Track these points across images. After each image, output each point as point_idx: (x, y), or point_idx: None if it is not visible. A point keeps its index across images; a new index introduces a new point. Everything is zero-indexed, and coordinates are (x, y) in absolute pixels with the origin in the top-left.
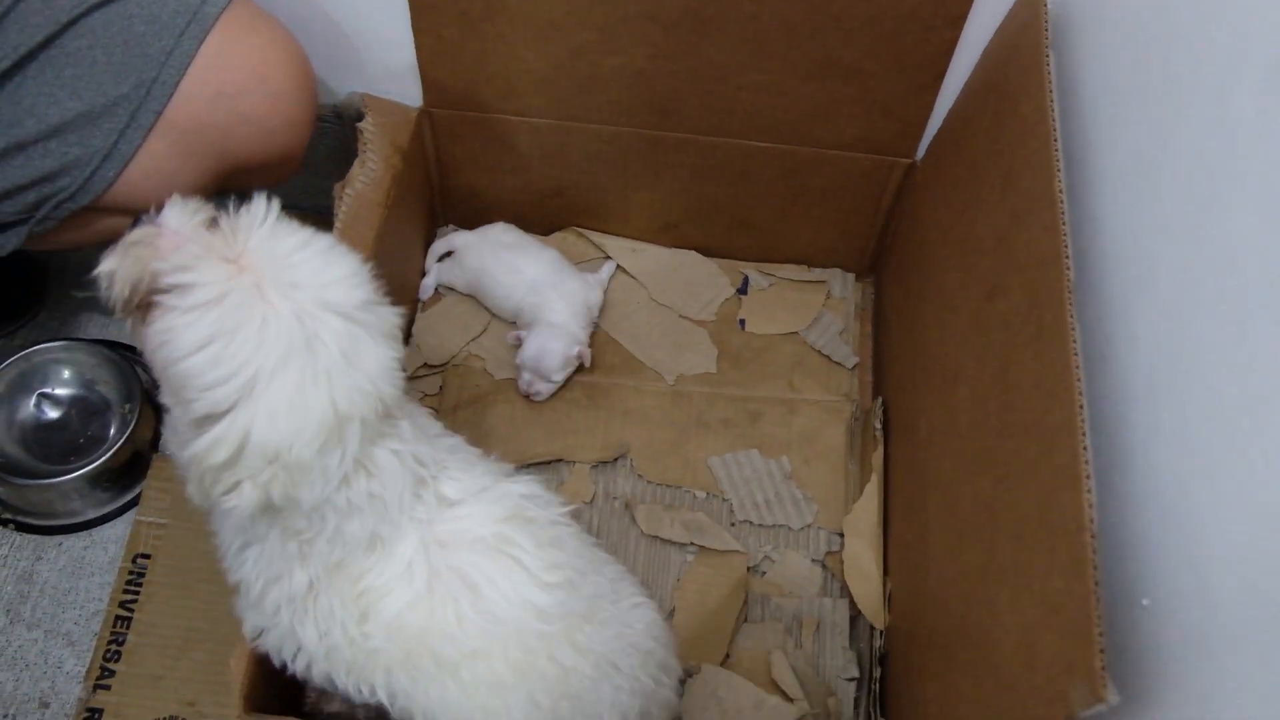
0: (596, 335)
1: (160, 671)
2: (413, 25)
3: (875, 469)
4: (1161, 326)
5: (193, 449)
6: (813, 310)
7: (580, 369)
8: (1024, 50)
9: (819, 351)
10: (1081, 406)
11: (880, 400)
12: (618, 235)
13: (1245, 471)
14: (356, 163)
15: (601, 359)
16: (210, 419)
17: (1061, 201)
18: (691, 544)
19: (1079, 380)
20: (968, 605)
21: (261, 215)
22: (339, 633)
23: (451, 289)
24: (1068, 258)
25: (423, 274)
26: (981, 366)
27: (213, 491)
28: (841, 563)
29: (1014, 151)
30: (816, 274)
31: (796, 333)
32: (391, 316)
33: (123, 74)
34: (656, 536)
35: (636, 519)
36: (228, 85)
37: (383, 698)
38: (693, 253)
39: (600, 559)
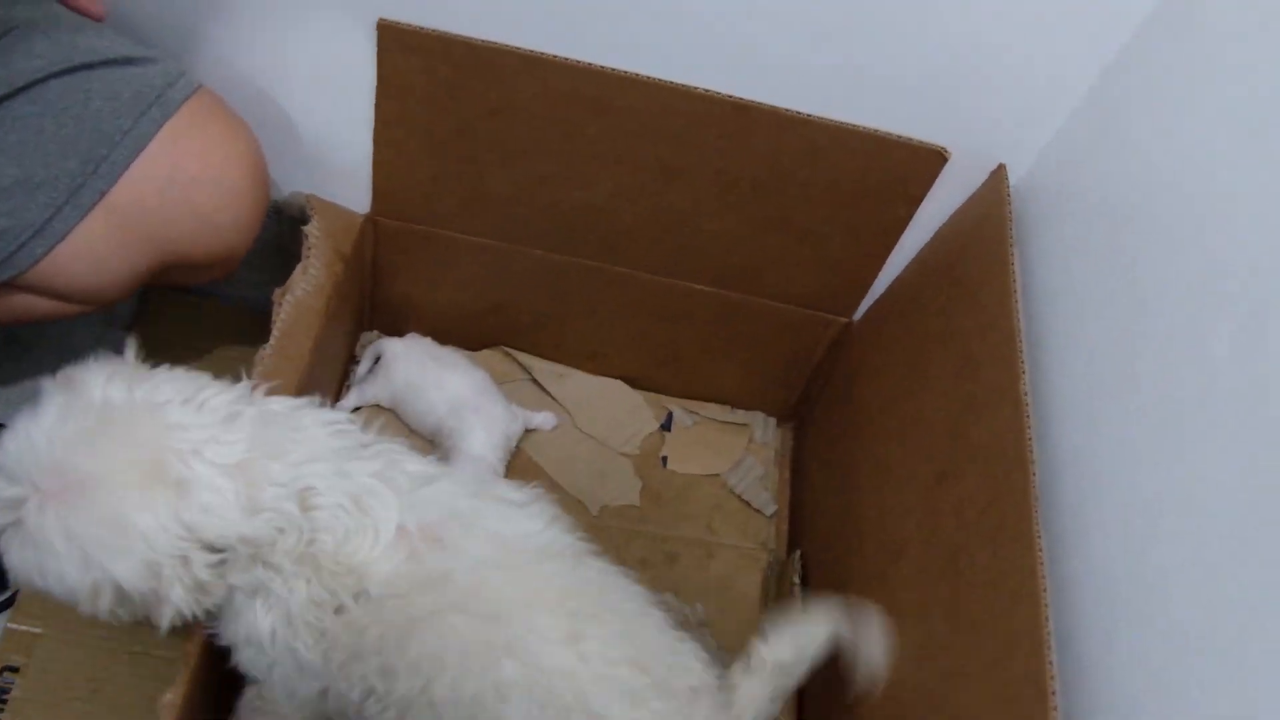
0: (520, 460)
1: None
2: (374, 136)
3: None
4: (1117, 549)
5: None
6: (735, 453)
7: None
8: (986, 240)
9: (739, 496)
10: (1047, 619)
11: (798, 554)
12: (545, 359)
13: (1204, 703)
14: (299, 268)
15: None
16: None
17: (1027, 400)
18: None
19: (1045, 591)
20: None
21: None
22: (331, 621)
23: (375, 404)
24: (1033, 462)
25: (342, 390)
26: (928, 550)
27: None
28: None
29: (972, 342)
30: (740, 415)
31: (718, 474)
32: None
33: (71, 148)
34: None
35: None
36: (180, 174)
37: (376, 684)
38: (619, 382)
39: None
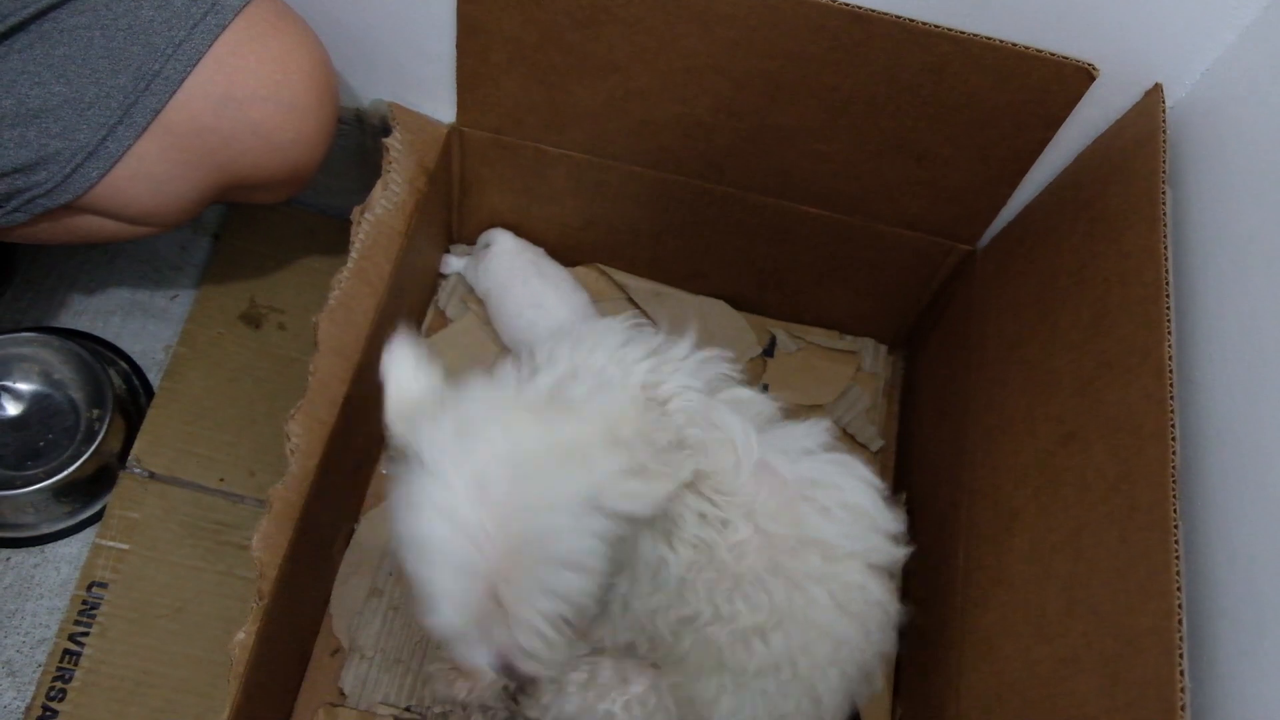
0: None
1: (107, 718)
2: (457, 44)
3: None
4: (1268, 547)
5: None
6: (841, 383)
7: None
8: (1134, 171)
9: (844, 429)
10: (1181, 621)
11: (904, 496)
12: (642, 276)
13: None
14: (379, 184)
15: None
16: None
17: (1171, 365)
18: None
19: (1179, 589)
20: None
21: None
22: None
23: (470, 288)
24: (1174, 438)
25: (427, 308)
26: (1047, 521)
27: None
28: None
29: (1112, 291)
30: (848, 341)
31: (821, 405)
32: None
33: (121, 62)
34: None
35: None
36: (238, 89)
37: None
38: (720, 302)
39: None
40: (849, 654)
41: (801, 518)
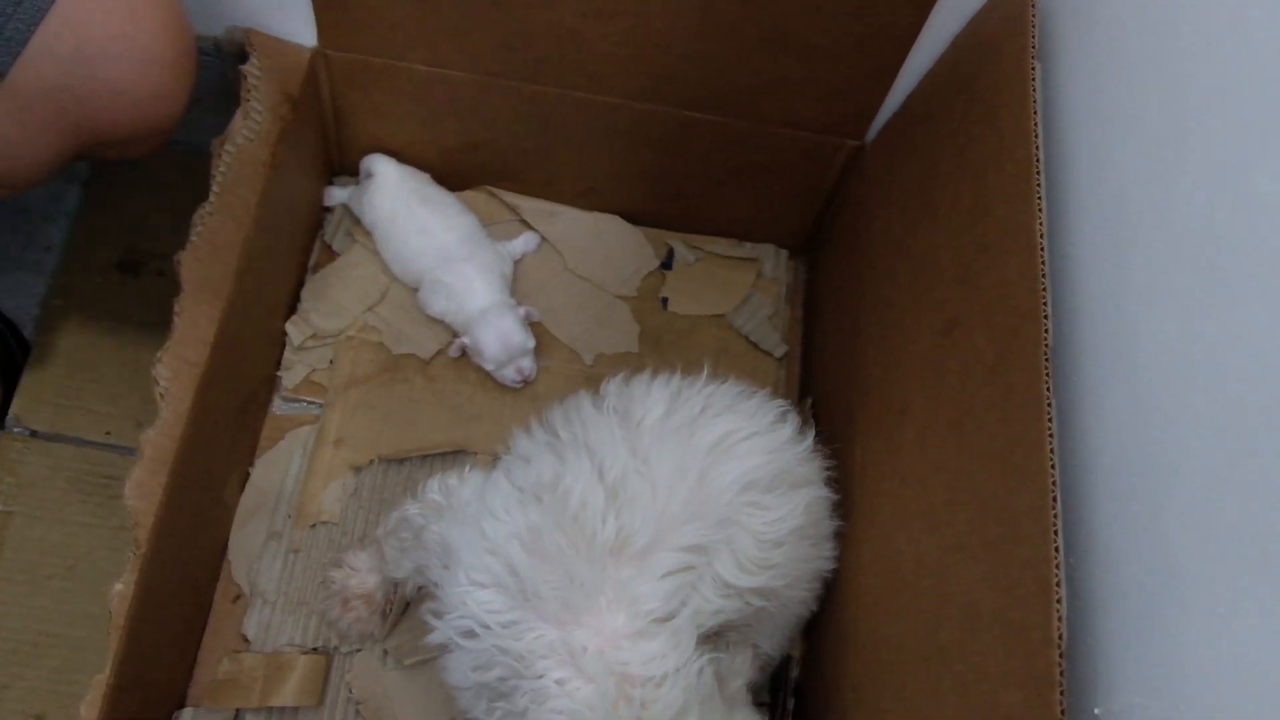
0: None
1: (5, 681)
2: None
3: None
4: (1138, 415)
5: None
6: (741, 290)
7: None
8: (1005, 53)
9: (746, 338)
10: (1055, 499)
11: (810, 401)
12: (534, 197)
13: (1221, 585)
14: (239, 113)
15: None
16: None
17: (1042, 248)
18: None
19: (1054, 467)
20: (903, 677)
21: None
22: None
23: (356, 219)
24: (1046, 315)
25: (314, 244)
26: (933, 412)
27: None
28: None
29: (988, 172)
30: (747, 249)
31: (723, 315)
32: None
33: None
34: None
35: None
36: (87, 46)
37: None
38: (615, 218)
39: None
40: None
41: None
